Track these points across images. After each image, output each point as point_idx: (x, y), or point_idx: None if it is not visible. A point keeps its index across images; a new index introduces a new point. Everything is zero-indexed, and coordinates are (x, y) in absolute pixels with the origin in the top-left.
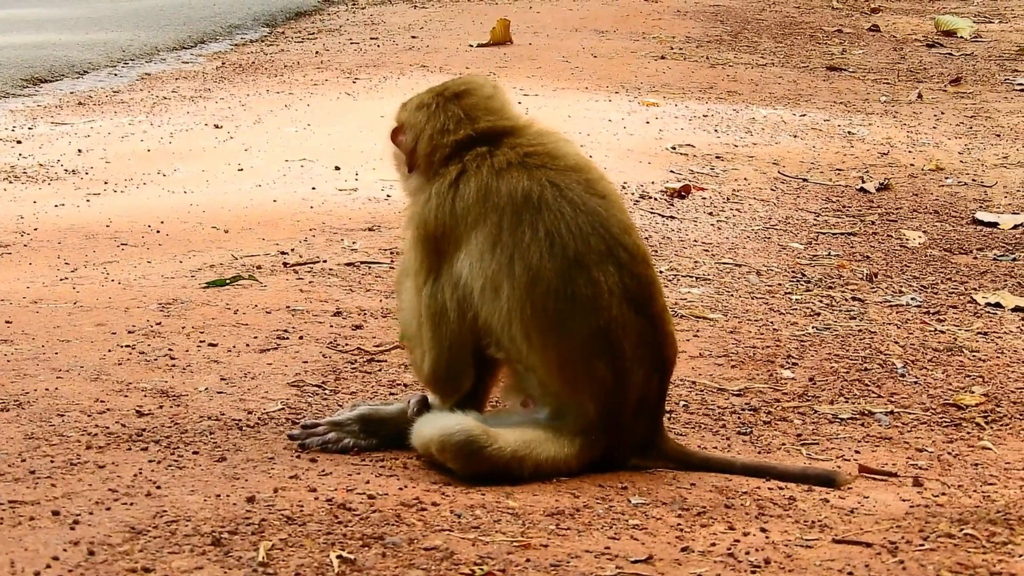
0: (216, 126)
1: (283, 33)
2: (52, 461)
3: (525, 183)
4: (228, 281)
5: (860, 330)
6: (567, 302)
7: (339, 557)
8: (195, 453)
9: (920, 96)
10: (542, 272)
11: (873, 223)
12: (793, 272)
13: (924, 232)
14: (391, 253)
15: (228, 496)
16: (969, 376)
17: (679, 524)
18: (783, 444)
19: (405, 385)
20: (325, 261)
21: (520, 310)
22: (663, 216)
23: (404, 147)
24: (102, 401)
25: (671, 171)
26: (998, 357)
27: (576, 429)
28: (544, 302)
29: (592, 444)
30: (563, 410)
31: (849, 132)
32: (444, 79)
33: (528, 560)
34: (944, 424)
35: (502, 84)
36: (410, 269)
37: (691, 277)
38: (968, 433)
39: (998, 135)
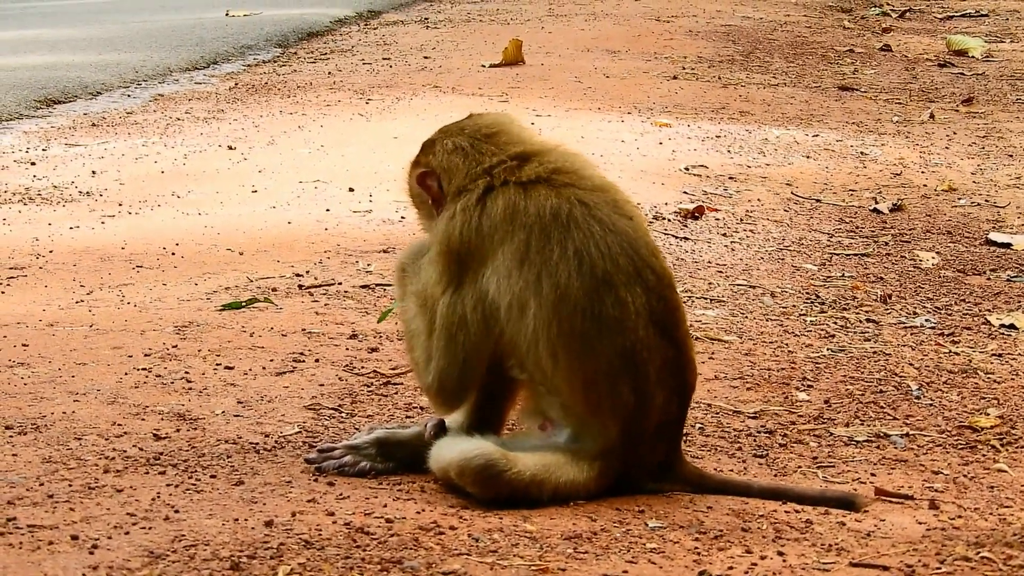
0: (230, 147)
1: (296, 54)
2: (70, 485)
3: (554, 201)
4: (244, 304)
5: (875, 352)
6: (594, 322)
7: None
8: (213, 477)
9: (932, 116)
10: (570, 291)
11: (887, 244)
12: (807, 293)
13: (938, 253)
14: None
15: (246, 520)
16: (984, 398)
17: (696, 548)
18: (799, 467)
19: (421, 408)
20: (340, 283)
21: (547, 329)
22: (677, 237)
23: (433, 191)
24: (119, 424)
25: (684, 192)
26: (1013, 379)
27: (595, 452)
28: (571, 321)
29: (611, 467)
30: (583, 432)
31: (862, 152)
32: (457, 100)
33: None
34: (960, 446)
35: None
36: (426, 279)
37: (705, 299)
38: (984, 455)
39: (1011, 155)
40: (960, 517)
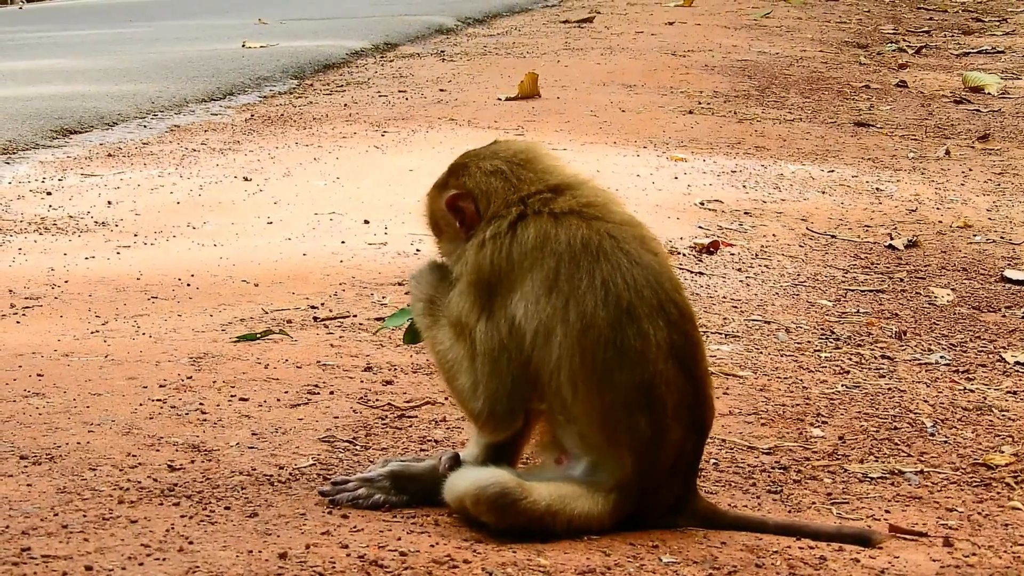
0: (245, 179)
1: (312, 85)
2: (84, 515)
3: (584, 231)
4: (259, 335)
5: (889, 388)
6: (616, 353)
7: None
8: (227, 508)
9: (948, 153)
10: (596, 320)
11: (902, 280)
12: (822, 329)
13: (953, 290)
14: None
15: (260, 552)
16: (999, 435)
17: None
18: (813, 503)
19: (436, 441)
20: (355, 316)
21: (570, 358)
22: (692, 272)
23: (469, 212)
24: (134, 455)
25: (699, 227)
26: None
27: (611, 485)
28: (594, 351)
29: (626, 501)
30: (599, 465)
31: (877, 188)
32: (472, 133)
33: None
34: (974, 484)
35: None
36: (458, 310)
37: (720, 334)
38: (998, 493)
39: None
40: (974, 555)
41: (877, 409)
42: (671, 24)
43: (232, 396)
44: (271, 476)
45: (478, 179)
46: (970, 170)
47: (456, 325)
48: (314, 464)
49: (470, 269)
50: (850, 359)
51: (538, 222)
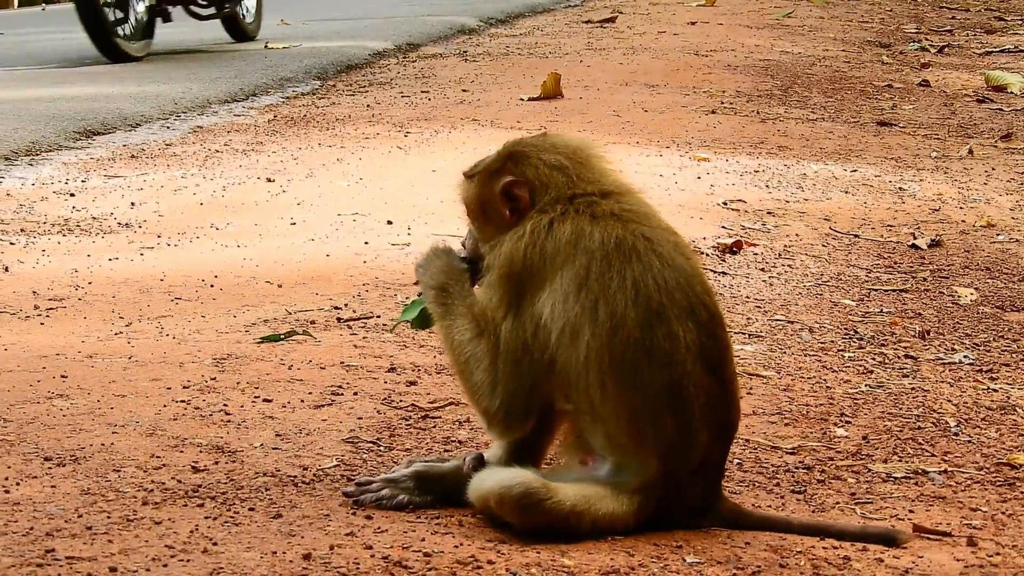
0: (268, 179)
1: (334, 86)
2: (108, 517)
3: (619, 231)
4: (282, 336)
5: (913, 388)
6: (645, 353)
7: None
8: (251, 510)
9: (971, 152)
10: (626, 320)
11: (925, 280)
12: (846, 329)
13: (976, 289)
14: None
15: (284, 553)
16: (1023, 435)
17: None
18: (837, 503)
19: (460, 442)
20: (379, 316)
21: (599, 358)
22: (715, 272)
23: (524, 201)
24: (158, 456)
25: (723, 227)
26: None
27: (636, 486)
28: (623, 351)
29: (651, 502)
30: (625, 466)
31: (900, 188)
32: (495, 133)
33: None
34: (998, 483)
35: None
36: (485, 302)
37: (744, 334)
38: (1022, 492)
39: None
40: (998, 554)
41: (901, 409)
42: (693, 24)
43: (256, 397)
44: (295, 477)
45: (540, 171)
46: (993, 169)
47: (480, 318)
48: (338, 465)
49: (503, 260)
50: (873, 359)
51: (576, 220)
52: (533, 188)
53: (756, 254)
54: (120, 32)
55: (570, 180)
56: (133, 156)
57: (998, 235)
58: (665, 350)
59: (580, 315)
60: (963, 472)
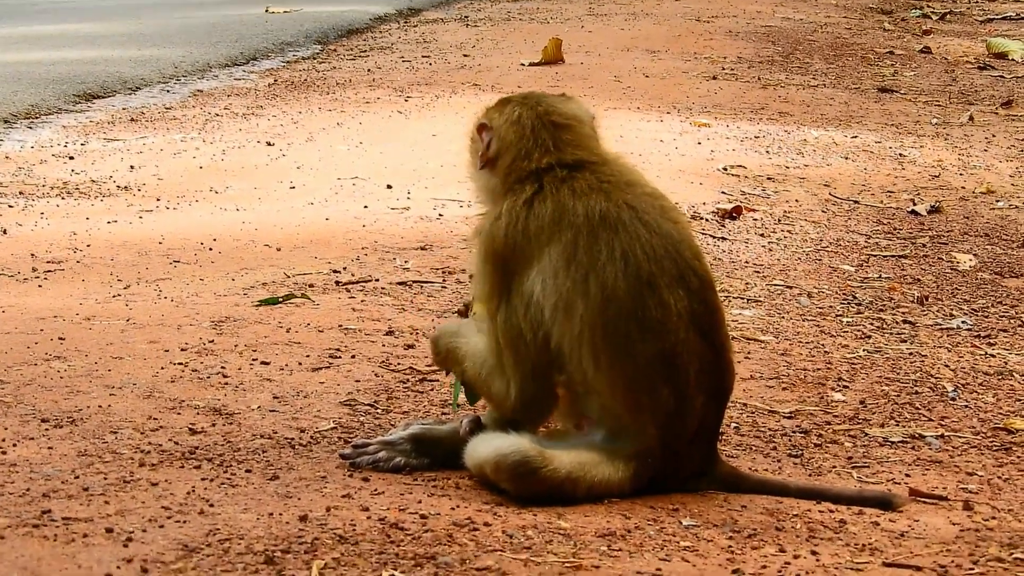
0: (268, 143)
1: (335, 51)
2: (105, 478)
3: (603, 203)
4: (281, 299)
5: (911, 353)
6: (637, 323)
7: None
8: (248, 471)
9: (971, 118)
10: (616, 292)
11: (924, 246)
12: (844, 294)
13: (975, 255)
14: (443, 272)
15: (281, 515)
16: (1020, 400)
17: (730, 546)
18: (834, 467)
19: (457, 405)
20: (377, 280)
21: (592, 330)
22: (715, 237)
23: (482, 147)
24: (155, 419)
25: (722, 192)
26: None
27: (632, 452)
28: (616, 323)
29: (646, 468)
30: (620, 432)
31: (900, 154)
32: (496, 98)
33: None
34: (994, 448)
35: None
36: (478, 294)
37: (743, 299)
38: (1018, 457)
39: None
40: (994, 518)
41: (898, 374)
42: None
43: (254, 360)
44: (292, 439)
45: (501, 122)
46: (993, 136)
47: (480, 320)
48: (335, 427)
49: (484, 239)
50: (872, 324)
51: (556, 196)
52: (493, 136)
53: (756, 219)
54: None
55: (525, 143)
56: (132, 119)
57: (997, 201)
58: (657, 319)
59: (571, 290)
60: (960, 437)
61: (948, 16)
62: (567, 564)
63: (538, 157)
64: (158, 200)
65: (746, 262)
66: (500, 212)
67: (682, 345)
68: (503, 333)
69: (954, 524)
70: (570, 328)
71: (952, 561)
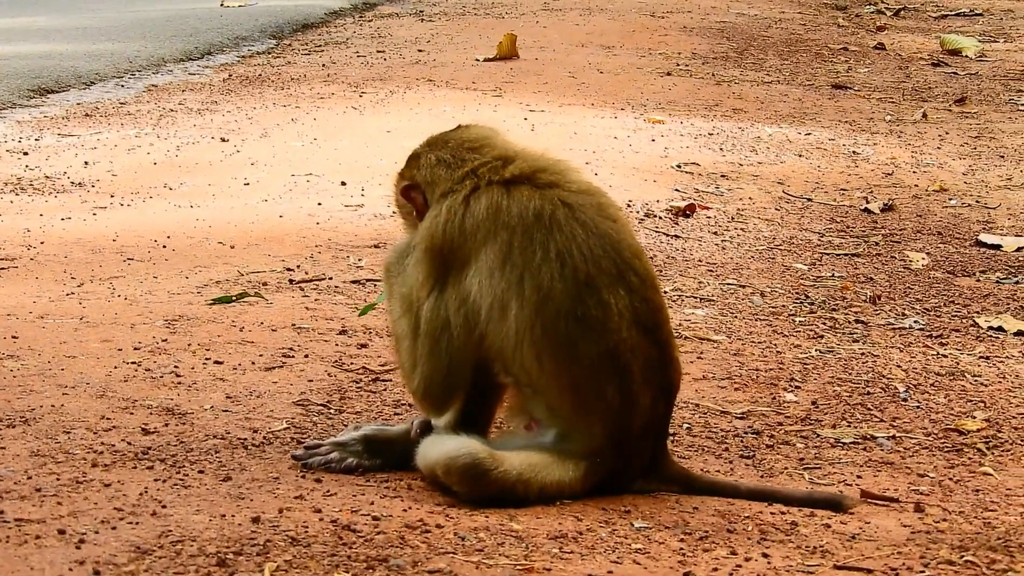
0: (223, 139)
1: (290, 45)
2: (58, 479)
3: (536, 202)
4: (234, 298)
5: (863, 353)
6: (577, 324)
7: None
8: (200, 472)
9: (925, 115)
10: (553, 293)
11: (877, 244)
12: (797, 293)
13: (927, 254)
14: None
15: (233, 516)
16: (971, 401)
17: (681, 548)
18: (785, 468)
19: (409, 405)
20: (331, 278)
21: (530, 331)
22: (668, 235)
23: (418, 203)
24: (108, 418)
25: (676, 189)
26: (1000, 382)
27: (582, 452)
28: (555, 323)
29: (597, 468)
30: (569, 433)
31: (854, 152)
32: (450, 94)
33: None
34: (946, 449)
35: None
36: (412, 281)
37: (695, 298)
38: (969, 459)
39: (1002, 156)
40: (945, 520)
41: (850, 374)
42: None
43: (207, 359)
44: (245, 440)
45: (425, 172)
46: (947, 133)
47: (407, 298)
48: (288, 428)
49: (424, 235)
50: (824, 323)
51: (490, 193)
52: (423, 189)
53: (709, 217)
54: None
55: (453, 168)
56: (87, 114)
57: (950, 199)
58: (598, 319)
59: (506, 291)
60: (911, 438)
61: (902, 12)
62: (519, 567)
63: (470, 163)
64: (112, 197)
65: (699, 260)
66: (441, 209)
67: (625, 344)
68: (427, 322)
69: (905, 526)
70: (505, 328)
71: (903, 564)
